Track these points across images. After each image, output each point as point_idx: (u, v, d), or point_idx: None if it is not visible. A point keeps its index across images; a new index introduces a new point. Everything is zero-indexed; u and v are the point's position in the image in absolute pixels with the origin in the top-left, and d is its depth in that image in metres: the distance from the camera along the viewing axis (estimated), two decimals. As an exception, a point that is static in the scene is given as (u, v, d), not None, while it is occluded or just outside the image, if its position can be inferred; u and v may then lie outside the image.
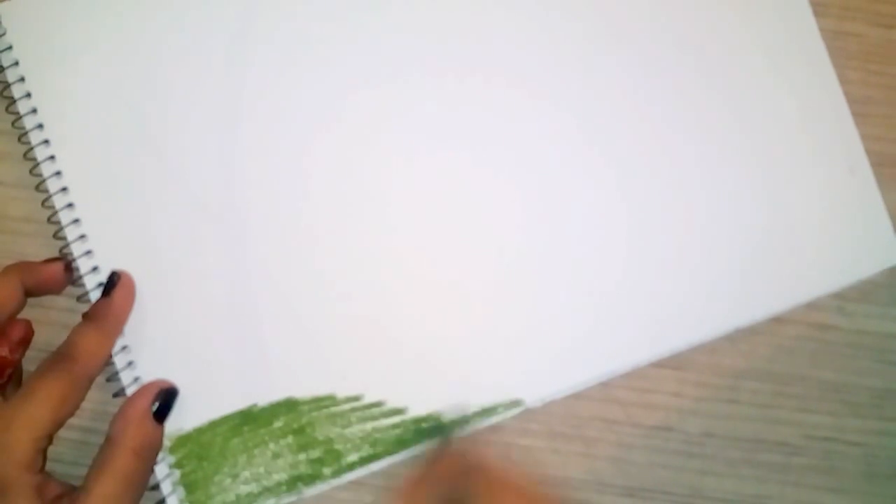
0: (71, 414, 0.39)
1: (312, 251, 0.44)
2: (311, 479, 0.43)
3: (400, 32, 0.45)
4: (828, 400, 0.45)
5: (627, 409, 0.45)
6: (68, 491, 0.38)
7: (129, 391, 0.42)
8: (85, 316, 0.41)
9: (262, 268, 0.43)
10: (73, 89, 0.44)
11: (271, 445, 0.43)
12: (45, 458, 0.38)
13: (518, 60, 0.46)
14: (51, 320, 0.43)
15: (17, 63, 0.44)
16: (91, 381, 0.40)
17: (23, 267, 0.41)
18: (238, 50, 0.45)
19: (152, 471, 0.40)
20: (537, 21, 0.46)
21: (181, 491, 0.42)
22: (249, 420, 0.43)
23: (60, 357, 0.39)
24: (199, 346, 0.43)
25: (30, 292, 0.41)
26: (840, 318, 0.46)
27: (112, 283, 0.42)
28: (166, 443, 0.42)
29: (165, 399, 0.41)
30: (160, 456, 0.41)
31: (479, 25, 0.46)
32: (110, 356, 0.41)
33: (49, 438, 0.38)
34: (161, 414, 0.41)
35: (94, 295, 0.42)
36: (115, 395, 0.42)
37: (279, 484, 0.42)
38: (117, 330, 0.42)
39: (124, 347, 0.42)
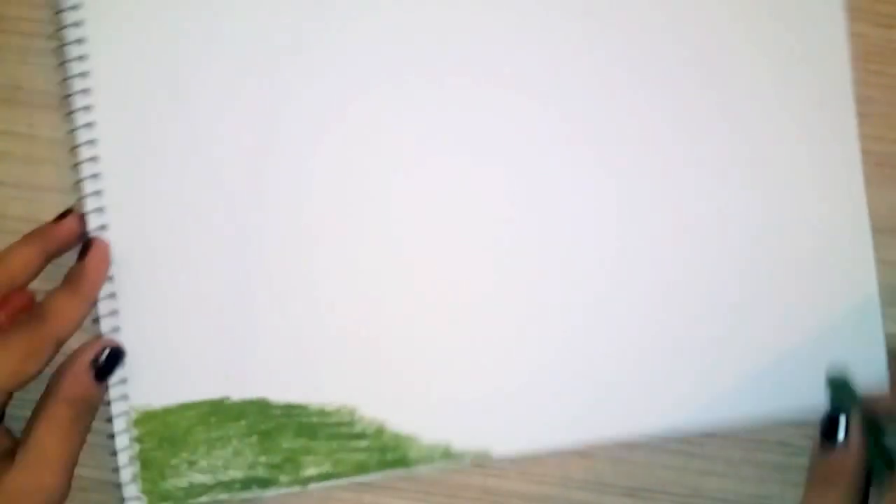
0: (34, 373, 0.38)
1: (311, 254, 0.43)
2: (267, 483, 0.42)
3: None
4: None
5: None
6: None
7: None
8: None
9: (261, 268, 0.43)
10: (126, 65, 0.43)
11: (234, 441, 0.42)
12: (3, 414, 0.39)
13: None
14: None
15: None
16: (59, 343, 0.39)
17: (42, 235, 0.41)
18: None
19: (89, 428, 0.40)
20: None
21: (137, 465, 0.42)
22: (219, 411, 0.42)
23: (29, 316, 0.39)
24: (186, 327, 0.42)
25: (53, 255, 0.41)
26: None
27: (86, 247, 0.41)
28: (132, 414, 0.42)
29: (109, 357, 0.40)
30: (123, 424, 0.41)
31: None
32: (82, 320, 0.41)
33: (8, 394, 0.38)
34: (102, 371, 0.40)
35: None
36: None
37: (234, 481, 0.42)
38: (90, 293, 0.41)
39: (116, 328, 0.42)
